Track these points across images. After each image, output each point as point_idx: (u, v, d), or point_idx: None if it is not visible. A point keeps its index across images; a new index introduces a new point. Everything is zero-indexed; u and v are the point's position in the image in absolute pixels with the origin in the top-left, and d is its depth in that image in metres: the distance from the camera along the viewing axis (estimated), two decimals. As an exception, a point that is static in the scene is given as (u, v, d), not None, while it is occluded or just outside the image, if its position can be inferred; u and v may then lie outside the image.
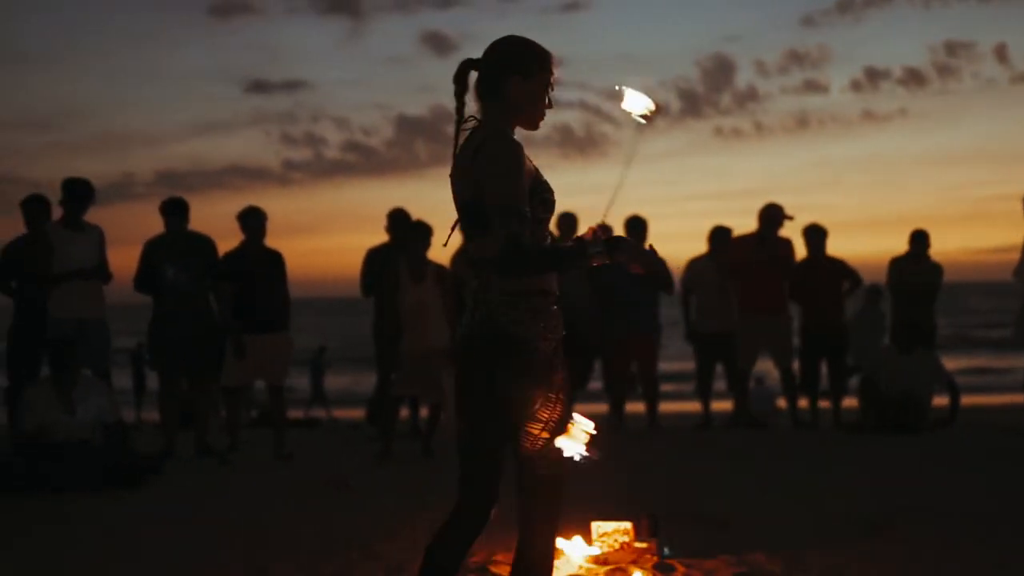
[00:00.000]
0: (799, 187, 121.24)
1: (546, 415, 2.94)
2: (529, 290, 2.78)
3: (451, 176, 2.86)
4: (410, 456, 7.56)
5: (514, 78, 2.82)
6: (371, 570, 4.50)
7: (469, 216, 2.78)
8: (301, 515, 5.51)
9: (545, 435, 2.93)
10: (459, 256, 8.51)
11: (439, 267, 7.76)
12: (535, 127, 2.92)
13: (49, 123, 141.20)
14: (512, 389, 2.81)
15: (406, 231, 7.96)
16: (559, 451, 2.86)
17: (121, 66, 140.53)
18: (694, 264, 9.07)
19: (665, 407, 9.95)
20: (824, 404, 8.94)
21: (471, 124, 2.86)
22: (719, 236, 8.99)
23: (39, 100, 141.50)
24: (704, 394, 9.30)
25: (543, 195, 2.81)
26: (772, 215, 8.73)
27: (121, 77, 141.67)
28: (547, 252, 2.82)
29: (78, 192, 7.60)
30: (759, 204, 8.79)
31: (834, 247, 9.04)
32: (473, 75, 2.87)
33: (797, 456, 7.18)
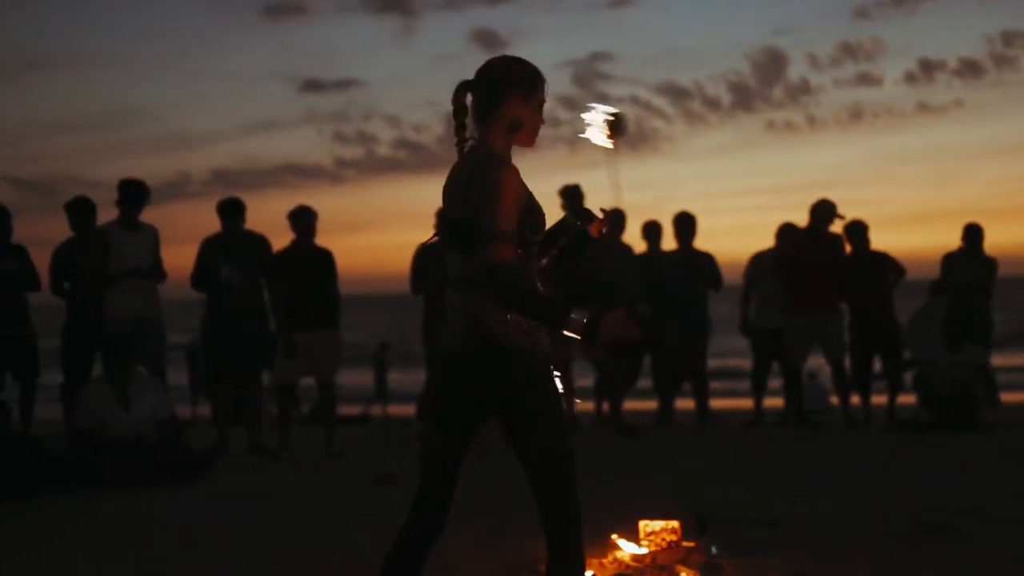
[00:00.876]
0: (853, 181, 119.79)
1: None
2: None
3: (444, 189, 2.89)
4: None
5: (512, 99, 2.86)
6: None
7: (458, 234, 2.80)
8: (351, 512, 5.56)
9: None
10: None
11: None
12: (532, 144, 2.96)
13: (109, 124, 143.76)
14: (552, 389, 2.85)
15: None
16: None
17: (178, 68, 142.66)
18: (758, 259, 8.97)
19: (715, 403, 9.92)
20: (878, 401, 8.82)
21: (470, 143, 2.90)
22: (787, 233, 8.91)
23: (99, 102, 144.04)
24: (758, 390, 9.22)
25: (535, 219, 2.84)
26: (824, 211, 8.64)
27: (178, 79, 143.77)
28: (532, 297, 2.80)
29: (133, 193, 7.74)
30: (812, 199, 8.72)
31: (889, 241, 8.98)
32: (470, 96, 2.90)
33: (849, 454, 7.10)
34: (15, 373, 7.67)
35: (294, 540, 4.98)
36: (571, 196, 8.63)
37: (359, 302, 50.31)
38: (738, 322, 9.28)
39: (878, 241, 8.89)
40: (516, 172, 2.83)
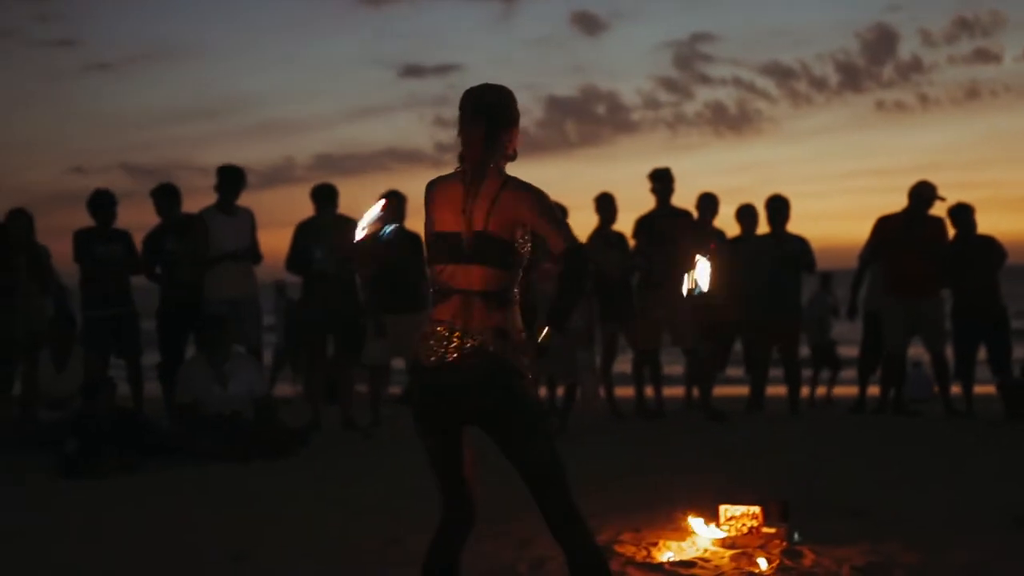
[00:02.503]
0: (968, 163, 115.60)
1: None
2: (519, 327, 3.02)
3: (468, 208, 2.96)
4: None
5: (513, 130, 3.05)
6: (501, 545, 4.60)
7: (490, 248, 2.95)
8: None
9: None
10: (594, 238, 8.53)
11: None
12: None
13: (216, 112, 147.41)
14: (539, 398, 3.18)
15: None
16: None
17: (282, 56, 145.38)
18: (885, 223, 8.55)
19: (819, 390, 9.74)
20: (984, 391, 8.56)
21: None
22: (883, 221, 8.63)
23: (206, 91, 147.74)
24: (863, 377, 9.01)
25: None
26: (922, 193, 8.38)
27: (281, 67, 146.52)
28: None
29: (230, 178, 7.95)
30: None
31: (1008, 225, 8.65)
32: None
33: (947, 445, 6.90)
34: (119, 351, 7.98)
35: (380, 515, 5.08)
36: (661, 179, 8.58)
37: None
38: (846, 306, 9.04)
39: (998, 225, 8.56)
40: None
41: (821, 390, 11.42)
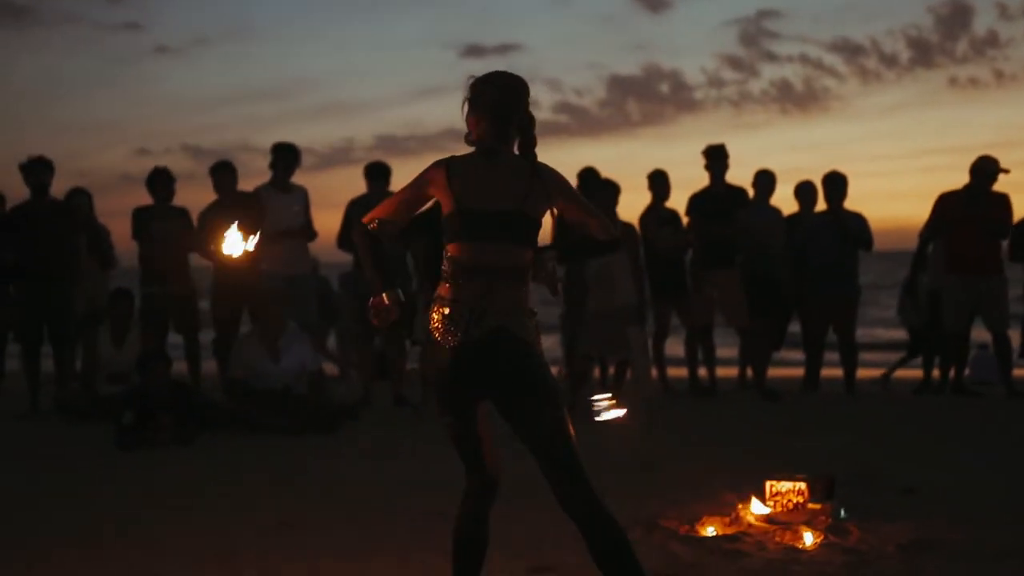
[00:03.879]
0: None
1: None
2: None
3: (504, 187, 2.99)
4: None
5: (531, 117, 3.08)
6: (535, 519, 4.61)
7: (520, 225, 3.00)
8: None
9: None
10: (647, 215, 8.47)
11: (627, 225, 7.74)
12: None
13: (277, 94, 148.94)
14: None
15: (593, 190, 7.97)
16: None
17: (341, 38, 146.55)
18: (946, 200, 8.33)
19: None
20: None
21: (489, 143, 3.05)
22: (943, 199, 8.44)
23: (267, 73, 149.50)
24: (928, 357, 8.82)
25: None
26: (982, 168, 8.17)
27: (342, 48, 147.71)
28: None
29: (285, 155, 8.03)
30: (999, 160, 8.18)
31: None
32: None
33: (1004, 427, 6.77)
34: (177, 327, 8.11)
35: (425, 489, 5.11)
36: (715, 156, 8.49)
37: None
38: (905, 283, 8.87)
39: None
40: None
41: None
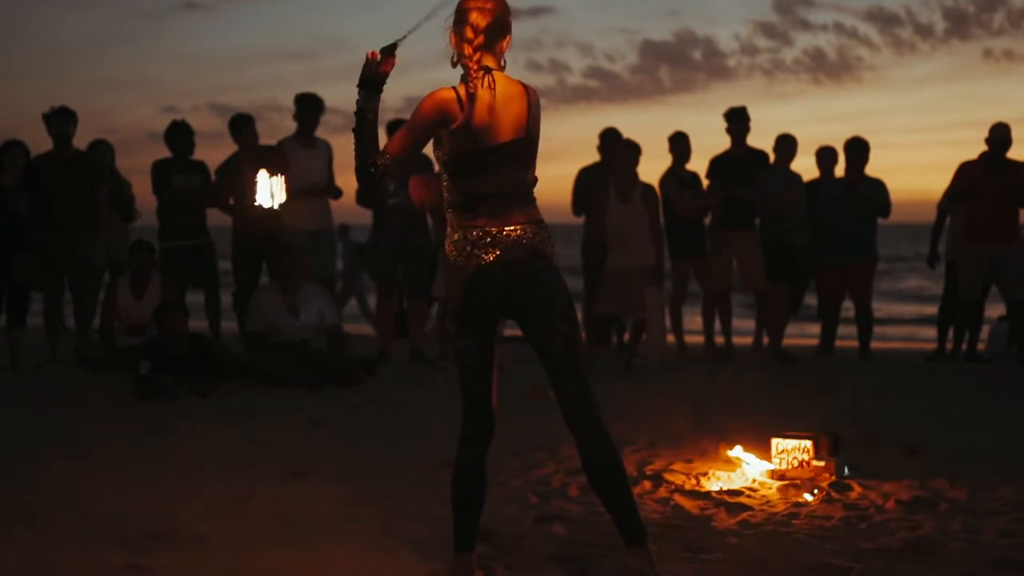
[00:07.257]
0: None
1: None
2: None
3: (510, 117, 3.07)
4: (611, 370, 7.65)
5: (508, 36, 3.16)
6: (551, 471, 4.69)
7: (528, 151, 3.12)
8: (502, 420, 5.73)
9: None
10: (668, 177, 8.48)
11: (647, 187, 7.75)
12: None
13: (304, 54, 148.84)
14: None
15: (611, 150, 7.99)
16: None
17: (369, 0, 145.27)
18: (965, 169, 8.25)
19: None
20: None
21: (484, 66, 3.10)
22: (962, 168, 8.39)
23: (297, 33, 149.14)
24: (942, 324, 8.82)
25: None
26: (999, 136, 8.15)
27: (368, 10, 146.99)
28: None
29: (309, 105, 7.99)
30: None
31: None
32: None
33: (1013, 392, 6.79)
34: (196, 281, 8.18)
35: (439, 441, 5.19)
36: (736, 119, 8.48)
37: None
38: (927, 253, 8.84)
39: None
40: None
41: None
